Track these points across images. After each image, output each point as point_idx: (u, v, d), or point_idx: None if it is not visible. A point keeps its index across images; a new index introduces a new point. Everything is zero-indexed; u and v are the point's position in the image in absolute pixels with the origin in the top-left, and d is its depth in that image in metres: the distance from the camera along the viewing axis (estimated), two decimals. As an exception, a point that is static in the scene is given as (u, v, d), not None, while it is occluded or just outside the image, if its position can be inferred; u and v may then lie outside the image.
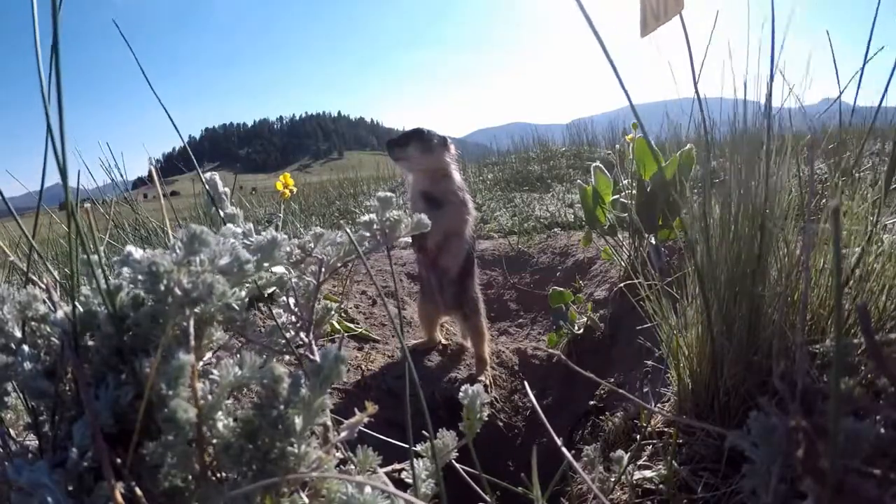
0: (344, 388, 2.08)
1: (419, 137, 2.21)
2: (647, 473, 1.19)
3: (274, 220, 4.56)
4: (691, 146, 2.14)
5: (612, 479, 1.13)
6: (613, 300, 2.54)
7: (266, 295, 0.93)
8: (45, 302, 0.78)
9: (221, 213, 1.04)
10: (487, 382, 2.38)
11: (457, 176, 2.29)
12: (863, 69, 1.28)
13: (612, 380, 2.05)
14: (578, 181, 2.89)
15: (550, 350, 2.63)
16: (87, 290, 0.77)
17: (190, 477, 0.68)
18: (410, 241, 2.54)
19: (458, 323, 2.52)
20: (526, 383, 1.23)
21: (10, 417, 0.81)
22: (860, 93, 1.30)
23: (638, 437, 1.35)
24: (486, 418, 0.92)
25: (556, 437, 0.96)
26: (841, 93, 1.36)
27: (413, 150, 2.20)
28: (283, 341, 0.92)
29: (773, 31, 1.05)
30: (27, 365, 0.72)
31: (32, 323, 0.77)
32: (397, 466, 0.90)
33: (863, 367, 0.97)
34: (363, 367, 2.26)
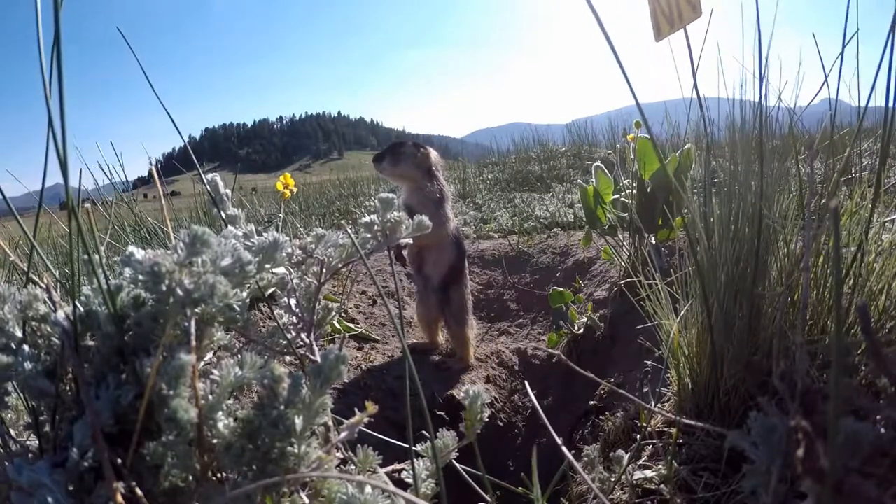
0: (344, 388, 2.08)
1: (391, 149, 2.30)
2: (647, 473, 1.19)
3: (274, 221, 4.55)
4: (690, 146, 2.14)
5: (612, 479, 1.13)
6: (613, 300, 2.54)
7: (267, 295, 0.93)
8: (45, 302, 0.78)
9: (223, 215, 1.04)
10: (480, 379, 2.38)
11: (434, 186, 2.27)
12: (841, 68, 1.28)
13: (612, 380, 2.05)
14: (579, 181, 2.89)
15: (550, 350, 2.63)
16: (87, 290, 0.77)
17: (190, 477, 0.68)
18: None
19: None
20: (526, 383, 1.23)
21: (10, 417, 0.81)
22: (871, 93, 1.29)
23: (638, 437, 1.35)
24: (487, 419, 0.92)
25: (556, 437, 0.96)
26: (823, 91, 1.36)
27: (386, 163, 2.28)
28: (285, 342, 0.93)
29: (760, 32, 1.05)
30: (28, 365, 0.72)
31: (33, 323, 0.77)
32: (398, 466, 0.90)
33: (863, 367, 0.98)
34: (363, 367, 2.26)
